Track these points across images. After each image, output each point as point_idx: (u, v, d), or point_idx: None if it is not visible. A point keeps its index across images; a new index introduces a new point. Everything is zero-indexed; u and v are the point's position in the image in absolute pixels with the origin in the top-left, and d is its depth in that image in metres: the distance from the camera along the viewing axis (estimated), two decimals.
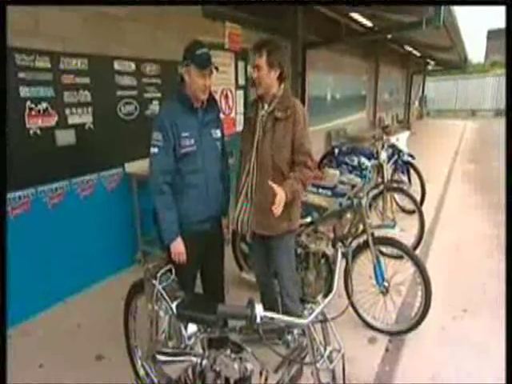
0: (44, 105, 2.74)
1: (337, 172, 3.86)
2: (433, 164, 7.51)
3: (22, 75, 2.59)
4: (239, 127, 4.93)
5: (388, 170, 4.29)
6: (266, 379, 1.32)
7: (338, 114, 8.89)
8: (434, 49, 10.67)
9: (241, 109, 5.10)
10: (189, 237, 1.94)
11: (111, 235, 3.38)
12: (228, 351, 1.38)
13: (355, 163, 4.96)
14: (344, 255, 2.39)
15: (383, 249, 2.67)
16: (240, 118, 5.02)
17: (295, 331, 1.28)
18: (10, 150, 2.47)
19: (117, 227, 3.43)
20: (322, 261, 2.65)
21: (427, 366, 2.27)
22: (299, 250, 2.66)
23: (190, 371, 1.52)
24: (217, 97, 4.42)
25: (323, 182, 3.22)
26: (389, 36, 8.67)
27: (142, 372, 2.01)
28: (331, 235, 2.76)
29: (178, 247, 1.92)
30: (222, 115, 2.43)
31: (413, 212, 4.04)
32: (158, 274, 1.63)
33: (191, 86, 1.87)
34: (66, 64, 2.85)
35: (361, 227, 2.66)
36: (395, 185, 4.10)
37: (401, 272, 2.59)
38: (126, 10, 3.23)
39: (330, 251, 2.68)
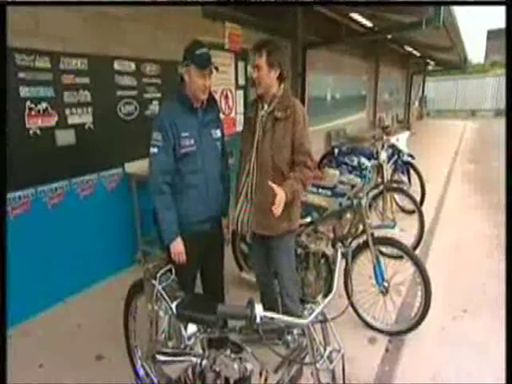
0: (44, 105, 2.74)
1: (337, 172, 3.85)
2: (433, 164, 7.51)
3: (21, 75, 2.59)
4: (239, 127, 4.93)
5: (388, 170, 4.29)
6: (266, 379, 1.32)
7: (338, 114, 8.89)
8: (434, 49, 10.67)
9: (241, 109, 5.10)
10: (189, 237, 1.94)
11: (111, 235, 3.38)
12: (228, 351, 1.38)
13: (355, 163, 4.97)
14: (344, 255, 2.39)
15: (383, 249, 2.67)
16: (240, 118, 5.02)
17: (295, 331, 1.28)
18: (10, 150, 2.47)
19: (117, 227, 3.43)
20: (322, 261, 2.65)
21: (427, 366, 2.27)
22: (299, 250, 2.66)
23: (189, 371, 1.53)
24: (217, 97, 4.41)
25: (323, 182, 3.22)
26: (389, 36, 8.67)
27: (141, 372, 2.01)
28: (331, 235, 2.76)
29: (178, 247, 1.92)
30: (221, 115, 2.43)
31: (413, 212, 4.04)
32: (158, 274, 1.63)
33: (191, 86, 1.87)
34: (65, 64, 2.85)
35: (361, 227, 2.65)
36: (395, 185, 4.10)
37: (401, 272, 2.59)
38: (125, 10, 3.23)
39: (329, 251, 2.68)
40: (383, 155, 4.19)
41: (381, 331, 2.57)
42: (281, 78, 1.95)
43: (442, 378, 2.17)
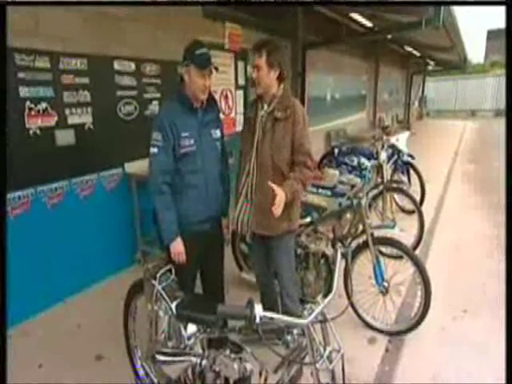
0: (44, 105, 2.74)
1: (336, 172, 3.86)
2: (432, 164, 7.51)
3: (21, 75, 2.59)
4: (239, 127, 4.93)
5: (388, 170, 4.29)
6: (266, 379, 1.32)
7: (338, 115, 8.89)
8: (434, 49, 10.67)
9: (241, 109, 5.10)
10: (188, 237, 1.94)
11: (111, 235, 3.38)
12: (227, 351, 1.38)
13: (355, 163, 4.97)
14: (343, 255, 2.39)
15: (383, 249, 2.67)
16: (240, 118, 5.02)
17: (295, 331, 1.28)
18: (10, 150, 2.47)
19: (116, 227, 3.43)
20: (322, 261, 2.65)
21: (427, 366, 2.27)
22: (299, 250, 2.66)
23: (189, 371, 1.52)
24: (217, 97, 4.41)
25: (323, 182, 3.22)
26: (389, 36, 8.67)
27: (141, 372, 2.01)
28: (331, 235, 2.76)
29: (178, 247, 1.91)
30: (221, 115, 2.43)
31: (412, 212, 4.04)
32: (158, 274, 1.63)
33: (191, 86, 1.87)
34: (65, 64, 2.85)
35: (360, 227, 2.65)
36: (395, 185, 4.10)
37: (400, 272, 2.59)
38: (125, 10, 3.23)
39: (329, 251, 2.68)
40: (383, 155, 4.19)
41: (381, 331, 2.56)
42: (281, 78, 1.95)
43: (441, 378, 2.17)
